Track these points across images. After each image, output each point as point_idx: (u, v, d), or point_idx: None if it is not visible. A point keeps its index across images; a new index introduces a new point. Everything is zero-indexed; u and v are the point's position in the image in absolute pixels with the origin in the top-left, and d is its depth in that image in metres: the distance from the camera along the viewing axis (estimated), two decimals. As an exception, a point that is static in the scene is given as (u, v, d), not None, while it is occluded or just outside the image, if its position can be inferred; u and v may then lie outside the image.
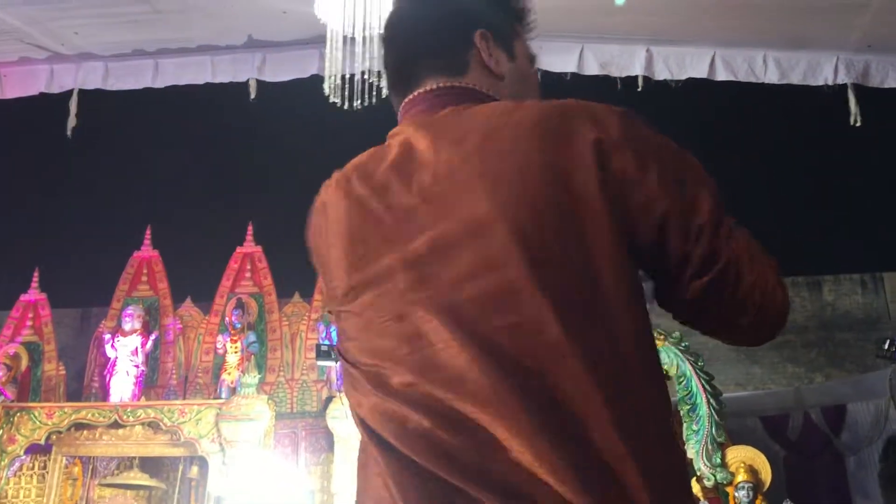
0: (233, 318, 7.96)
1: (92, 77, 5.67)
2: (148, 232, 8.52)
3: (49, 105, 5.83)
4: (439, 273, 1.02)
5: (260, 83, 5.56)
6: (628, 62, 5.34)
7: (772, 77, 5.29)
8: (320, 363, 7.21)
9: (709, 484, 6.19)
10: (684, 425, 6.44)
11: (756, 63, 5.27)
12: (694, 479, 6.32)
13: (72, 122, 5.67)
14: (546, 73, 5.11)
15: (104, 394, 7.63)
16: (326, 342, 7.08)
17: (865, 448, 7.57)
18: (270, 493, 6.63)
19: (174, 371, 7.99)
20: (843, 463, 7.77)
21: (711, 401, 6.43)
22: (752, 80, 5.33)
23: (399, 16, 1.32)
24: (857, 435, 7.58)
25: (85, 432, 7.15)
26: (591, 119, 1.05)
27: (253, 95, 5.54)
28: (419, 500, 0.98)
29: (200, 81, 5.65)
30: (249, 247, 8.46)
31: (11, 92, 5.71)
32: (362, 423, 1.07)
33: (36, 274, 8.23)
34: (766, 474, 6.22)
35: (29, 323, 7.96)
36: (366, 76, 4.68)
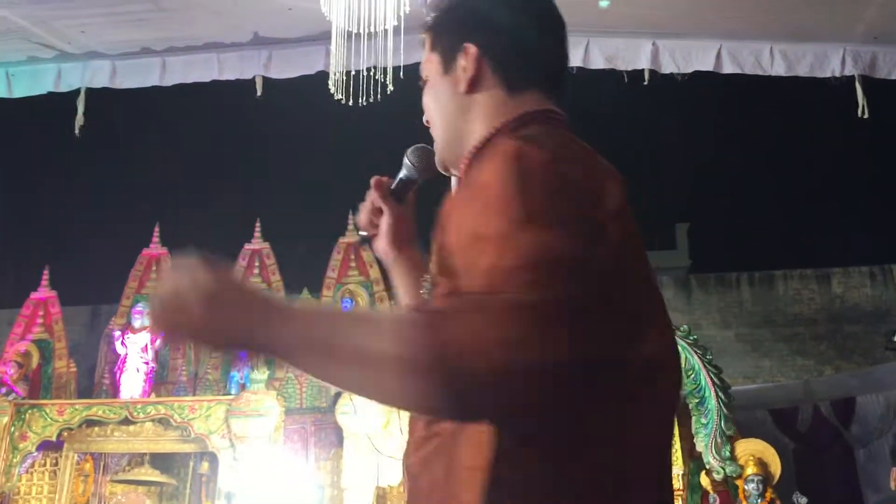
0: (241, 315, 7.96)
1: (99, 76, 5.69)
2: (156, 229, 8.55)
3: (57, 104, 5.86)
4: None
5: (266, 80, 5.57)
6: (634, 56, 5.34)
7: (778, 69, 5.28)
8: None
9: (718, 477, 6.19)
10: (693, 419, 6.44)
11: (762, 55, 5.26)
12: (703, 472, 6.33)
13: (80, 120, 5.69)
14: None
15: (115, 391, 7.67)
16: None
17: (875, 440, 7.56)
18: (280, 489, 6.66)
19: (184, 367, 8.02)
20: (853, 455, 7.75)
21: (720, 394, 6.42)
22: (759, 72, 5.31)
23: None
24: (867, 427, 7.56)
25: (96, 429, 7.19)
26: None
27: (259, 93, 5.55)
28: None
29: (207, 79, 5.67)
30: (257, 243, 8.48)
31: (19, 91, 5.74)
32: None
33: (46, 272, 8.27)
34: (776, 467, 6.21)
35: (39, 321, 8.00)
36: (371, 73, 4.68)
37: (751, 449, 6.28)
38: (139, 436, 7.16)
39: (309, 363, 0.96)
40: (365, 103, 4.71)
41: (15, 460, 6.92)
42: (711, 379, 6.46)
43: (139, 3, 5.09)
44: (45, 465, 7.40)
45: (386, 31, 4.60)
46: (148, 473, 7.40)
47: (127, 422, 7.08)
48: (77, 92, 5.71)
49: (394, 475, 6.88)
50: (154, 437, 7.16)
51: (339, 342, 0.91)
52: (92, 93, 5.75)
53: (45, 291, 8.16)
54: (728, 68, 5.30)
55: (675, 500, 1.06)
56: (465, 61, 1.15)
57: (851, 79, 5.22)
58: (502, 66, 1.15)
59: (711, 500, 6.28)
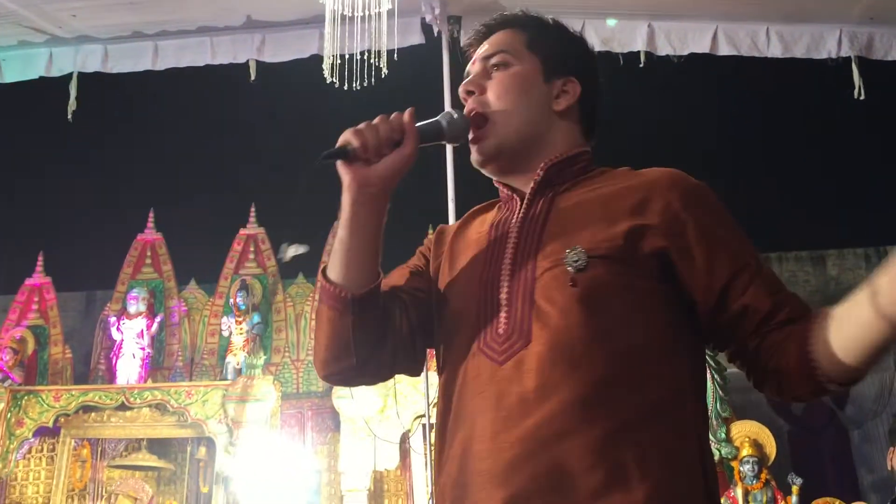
0: (237, 300, 7.98)
1: (91, 60, 5.64)
2: (150, 215, 8.53)
3: (49, 89, 5.80)
4: None
5: (260, 64, 5.53)
6: (630, 38, 5.30)
7: (775, 51, 5.25)
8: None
9: (714, 459, 6.24)
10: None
11: (759, 37, 5.23)
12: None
13: (72, 105, 5.64)
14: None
15: (111, 376, 7.68)
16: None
17: (870, 421, 7.60)
18: (278, 473, 6.68)
19: (180, 353, 8.02)
20: (848, 436, 7.81)
21: (716, 376, 6.44)
22: (755, 54, 5.28)
23: None
24: (862, 408, 7.61)
25: (93, 415, 7.20)
26: None
27: (253, 77, 5.51)
28: None
29: (200, 63, 5.62)
30: (252, 228, 8.47)
31: (11, 76, 5.69)
32: None
33: (40, 258, 8.25)
34: (771, 448, 6.24)
35: (34, 307, 7.99)
36: (365, 56, 4.65)
37: (746, 431, 6.31)
38: (136, 421, 7.18)
39: None
40: (359, 87, 4.68)
41: (12, 446, 6.93)
42: (708, 361, 6.48)
43: (131, -14, 5.05)
44: (42, 450, 7.41)
45: (380, 14, 4.57)
46: (145, 459, 7.43)
47: (123, 407, 7.08)
48: (69, 76, 5.66)
49: (390, 459, 6.91)
50: (151, 422, 7.18)
51: None
52: (84, 77, 5.70)
53: (39, 277, 8.15)
54: (724, 50, 5.27)
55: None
56: (569, 90, 1.39)
57: (848, 60, 5.19)
58: (586, 114, 1.42)
59: (707, 482, 6.32)
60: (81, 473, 7.42)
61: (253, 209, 8.54)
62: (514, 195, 1.37)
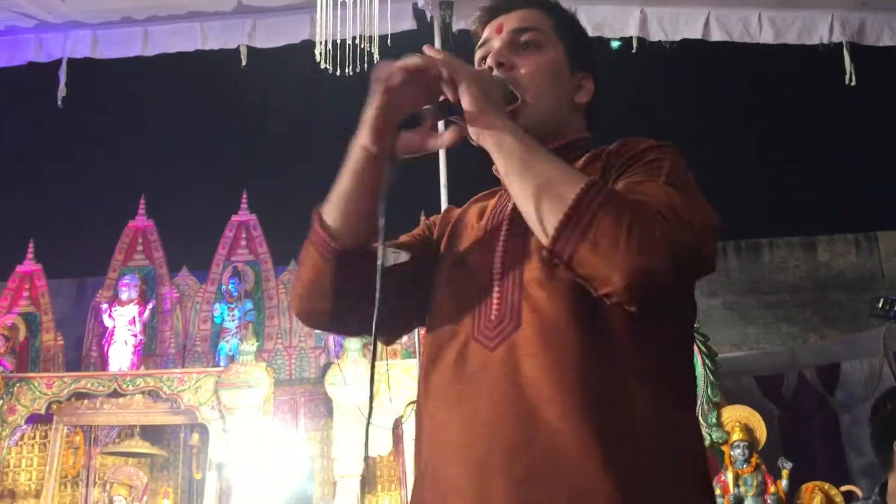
0: (229, 287, 7.97)
1: (80, 46, 5.59)
2: (142, 201, 8.49)
3: (38, 75, 5.76)
4: None
5: (251, 50, 5.49)
6: (622, 23, 5.28)
7: (767, 37, 5.24)
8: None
9: (704, 443, 6.27)
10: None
11: (751, 23, 5.22)
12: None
13: (62, 91, 5.60)
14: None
15: (103, 363, 7.67)
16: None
17: (859, 406, 7.63)
18: (271, 460, 6.69)
19: (172, 340, 8.01)
20: (838, 420, 7.84)
21: (707, 361, 6.47)
22: (747, 40, 5.28)
23: None
24: (851, 393, 7.64)
25: (85, 402, 7.19)
26: None
27: (244, 62, 5.48)
28: None
29: (191, 49, 5.58)
30: (244, 215, 8.45)
31: (-1, 62, 5.65)
32: None
33: (31, 245, 8.21)
34: (762, 433, 6.28)
35: (25, 294, 7.96)
36: (357, 41, 4.63)
37: (737, 415, 6.35)
38: (129, 408, 7.17)
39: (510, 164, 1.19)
40: (351, 73, 4.66)
41: (4, 433, 6.91)
42: (698, 347, 6.51)
43: (120, -30, 5.01)
44: (34, 438, 7.41)
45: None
46: (138, 445, 7.43)
47: (116, 394, 7.08)
48: (58, 62, 5.62)
49: (383, 445, 6.92)
50: (143, 409, 7.17)
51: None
52: (74, 63, 5.66)
53: (30, 264, 8.11)
54: (716, 35, 5.26)
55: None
56: (585, 85, 1.44)
57: (839, 46, 5.20)
58: (591, 108, 1.47)
59: (698, 466, 6.36)
60: (74, 460, 7.42)
61: (244, 195, 8.52)
62: None
